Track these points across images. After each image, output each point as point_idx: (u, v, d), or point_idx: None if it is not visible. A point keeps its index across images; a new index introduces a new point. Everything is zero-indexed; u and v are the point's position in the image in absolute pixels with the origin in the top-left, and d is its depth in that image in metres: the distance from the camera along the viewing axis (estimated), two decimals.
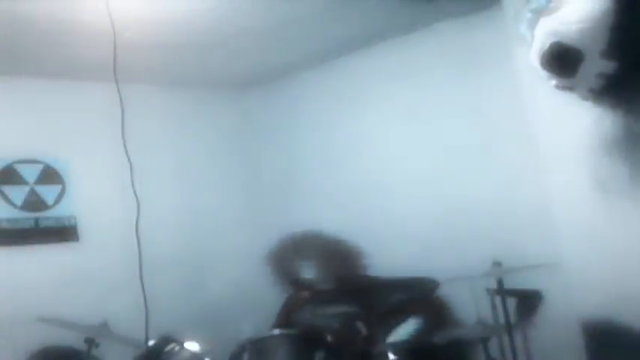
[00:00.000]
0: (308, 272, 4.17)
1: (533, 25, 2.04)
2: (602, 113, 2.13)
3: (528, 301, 3.84)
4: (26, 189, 4.78)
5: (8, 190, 4.71)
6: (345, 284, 4.03)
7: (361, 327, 3.68)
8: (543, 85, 3.93)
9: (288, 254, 4.24)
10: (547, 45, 1.98)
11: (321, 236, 4.27)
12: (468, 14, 4.49)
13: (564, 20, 1.95)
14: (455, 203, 4.69)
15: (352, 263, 4.19)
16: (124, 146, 3.80)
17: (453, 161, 4.77)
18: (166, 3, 4.01)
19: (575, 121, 3.84)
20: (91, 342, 3.83)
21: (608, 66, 1.94)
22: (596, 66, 1.95)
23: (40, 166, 4.85)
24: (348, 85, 5.28)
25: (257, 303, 4.78)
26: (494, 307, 3.82)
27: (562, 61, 1.97)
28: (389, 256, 4.60)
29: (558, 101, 3.94)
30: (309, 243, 4.26)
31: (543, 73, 2.04)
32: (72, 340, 3.88)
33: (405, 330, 3.73)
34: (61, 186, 4.89)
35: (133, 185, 3.80)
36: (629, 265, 3.67)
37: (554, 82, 2.05)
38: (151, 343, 3.68)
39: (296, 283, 4.28)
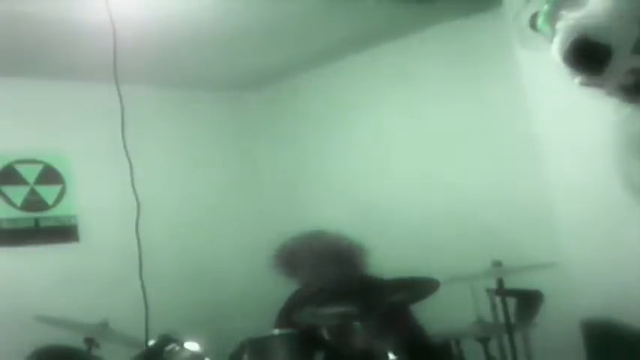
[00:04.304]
0: (314, 273, 4.15)
1: (551, 17, 1.87)
2: (632, 111, 1.92)
3: (528, 301, 3.83)
4: (26, 189, 4.78)
5: (8, 190, 4.71)
6: (345, 284, 4.02)
7: (361, 327, 3.67)
8: (543, 85, 3.93)
9: (296, 255, 4.23)
10: (571, 41, 1.76)
11: (326, 236, 4.26)
12: (468, 15, 4.49)
13: (590, 14, 1.74)
14: (455, 203, 4.69)
15: (356, 262, 4.18)
16: (124, 146, 3.78)
17: (453, 162, 4.77)
18: (166, 3, 4.01)
19: (576, 121, 3.86)
20: (91, 342, 3.83)
21: None
22: (627, 62, 1.74)
23: (40, 166, 4.85)
24: (347, 87, 5.28)
25: (257, 303, 4.78)
26: (494, 307, 3.82)
27: (588, 57, 1.75)
28: (389, 256, 4.60)
29: (559, 101, 3.95)
30: (316, 243, 4.24)
31: (567, 70, 1.82)
32: (72, 339, 3.87)
33: None
34: (61, 186, 4.89)
35: (133, 185, 3.78)
36: (629, 265, 3.67)
37: (578, 79, 1.82)
38: (151, 343, 3.67)
39: (302, 283, 4.27)
